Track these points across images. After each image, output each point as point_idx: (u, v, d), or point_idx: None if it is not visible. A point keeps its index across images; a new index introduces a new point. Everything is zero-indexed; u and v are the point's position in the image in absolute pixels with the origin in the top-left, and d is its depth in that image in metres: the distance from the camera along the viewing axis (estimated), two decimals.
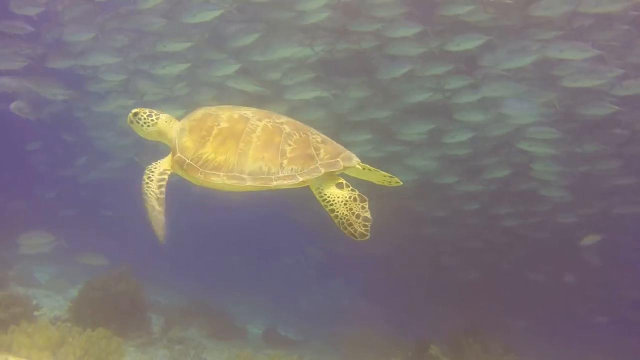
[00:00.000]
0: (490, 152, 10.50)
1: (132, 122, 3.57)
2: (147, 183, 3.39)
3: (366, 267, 16.42)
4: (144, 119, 3.55)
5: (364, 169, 3.37)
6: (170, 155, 3.47)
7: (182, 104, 9.36)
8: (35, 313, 7.95)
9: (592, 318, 13.28)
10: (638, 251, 12.90)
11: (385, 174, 3.42)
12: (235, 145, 3.27)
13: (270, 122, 3.39)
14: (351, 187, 3.20)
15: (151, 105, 3.71)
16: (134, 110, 3.56)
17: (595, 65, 8.34)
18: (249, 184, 3.19)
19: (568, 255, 12.17)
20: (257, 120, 3.38)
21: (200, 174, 3.27)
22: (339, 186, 3.20)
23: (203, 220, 17.22)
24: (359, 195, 3.14)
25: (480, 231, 12.80)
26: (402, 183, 3.42)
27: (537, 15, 8.00)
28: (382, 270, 15.48)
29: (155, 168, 3.46)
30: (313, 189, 3.25)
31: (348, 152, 3.32)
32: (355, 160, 3.30)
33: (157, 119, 3.55)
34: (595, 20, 8.10)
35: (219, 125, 3.39)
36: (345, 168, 3.24)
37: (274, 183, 3.17)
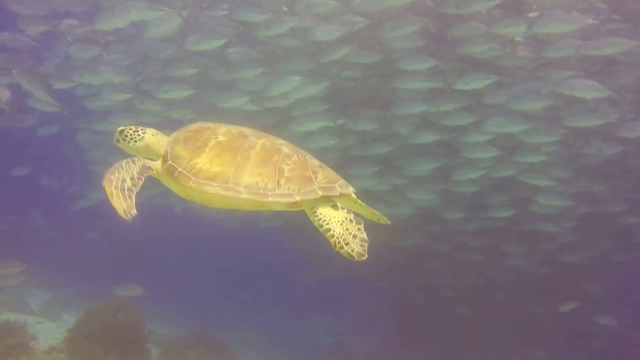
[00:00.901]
0: (496, 190, 10.47)
1: (118, 140, 3.52)
2: (124, 164, 3.25)
3: (360, 299, 16.24)
4: (131, 135, 3.49)
5: (355, 202, 3.38)
6: (157, 162, 3.39)
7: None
8: (32, 343, 7.65)
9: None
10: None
11: (375, 211, 3.45)
12: (233, 158, 3.22)
13: (268, 141, 3.38)
14: (346, 209, 3.20)
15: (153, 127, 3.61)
16: (119, 128, 3.51)
17: (605, 106, 8.44)
18: (244, 197, 3.12)
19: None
20: (255, 138, 3.36)
21: (193, 182, 3.17)
22: (334, 207, 3.18)
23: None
24: (354, 217, 3.13)
25: (484, 267, 12.66)
26: (389, 222, 3.44)
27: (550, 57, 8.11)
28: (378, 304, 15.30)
29: (138, 160, 3.35)
30: (307, 210, 3.21)
31: (344, 181, 3.30)
32: (351, 189, 3.29)
33: (143, 133, 3.50)
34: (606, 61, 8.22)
35: (216, 138, 3.34)
36: (341, 195, 3.23)
37: (270, 199, 3.13)
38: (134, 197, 3.11)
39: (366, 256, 2.97)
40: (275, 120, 9.29)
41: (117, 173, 3.19)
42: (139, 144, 3.50)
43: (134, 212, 3.04)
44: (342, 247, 2.99)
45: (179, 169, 3.24)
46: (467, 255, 12.28)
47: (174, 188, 3.39)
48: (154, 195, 11.95)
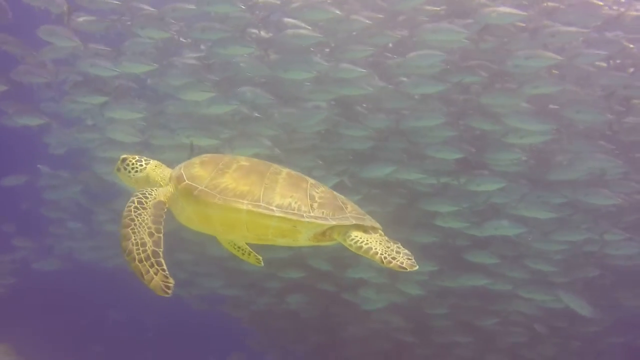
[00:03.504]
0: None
1: (119, 169, 3.32)
2: (137, 208, 2.86)
3: None
4: (133, 164, 3.31)
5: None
6: (166, 187, 3.13)
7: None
8: None
9: None
10: None
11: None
12: (260, 180, 3.02)
13: (293, 171, 3.27)
14: (379, 231, 3.15)
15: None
16: (122, 156, 3.32)
17: None
18: (279, 215, 2.92)
19: None
20: (279, 167, 3.26)
21: (219, 199, 2.92)
22: (366, 231, 3.09)
23: None
24: (388, 238, 3.09)
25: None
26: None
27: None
28: None
29: (149, 195, 2.97)
30: (340, 237, 3.07)
31: (369, 216, 3.23)
32: (379, 226, 3.20)
33: (146, 164, 3.31)
34: None
35: (238, 162, 3.16)
36: (372, 228, 3.14)
37: (306, 219, 2.94)
38: (162, 260, 2.69)
39: (417, 266, 2.88)
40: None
41: (132, 237, 2.74)
42: (139, 174, 3.30)
43: (171, 282, 2.63)
44: (390, 262, 2.88)
45: (200, 187, 2.99)
46: None
47: (189, 210, 3.07)
48: None
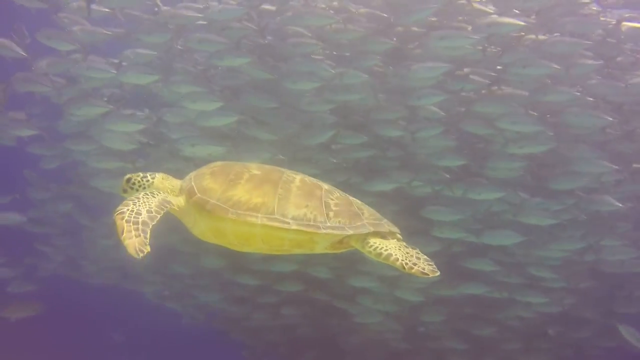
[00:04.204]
0: None
1: (125, 190, 3.19)
2: (146, 195, 2.97)
3: None
4: (139, 182, 3.19)
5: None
6: (179, 197, 3.10)
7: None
8: None
9: None
10: None
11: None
12: (274, 190, 2.96)
13: (306, 177, 3.20)
14: (397, 236, 3.12)
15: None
16: (126, 177, 3.21)
17: None
18: (295, 227, 2.87)
19: None
20: (292, 174, 3.18)
21: (232, 214, 2.87)
22: (384, 236, 3.07)
23: None
24: (406, 243, 3.06)
25: None
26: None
27: None
28: None
29: (159, 193, 3.03)
30: (358, 245, 3.05)
31: (387, 220, 3.19)
32: (397, 230, 3.17)
33: (152, 178, 3.20)
34: None
35: (250, 172, 3.08)
36: (390, 232, 3.10)
37: (322, 231, 2.90)
38: (148, 232, 2.70)
39: (439, 272, 2.87)
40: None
41: (131, 205, 2.82)
42: (148, 190, 3.16)
43: (147, 249, 2.61)
44: (412, 268, 2.86)
45: (212, 201, 2.92)
46: None
47: (202, 224, 3.01)
48: None
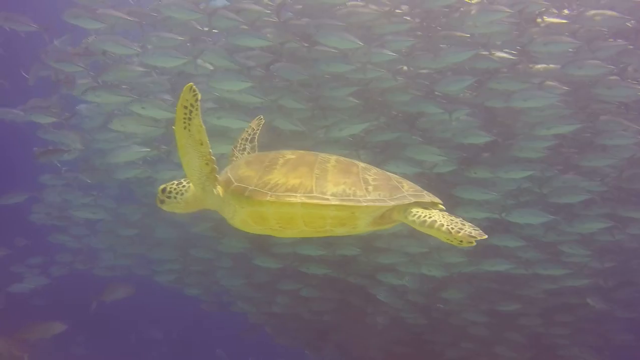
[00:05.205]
0: None
1: (163, 201, 3.18)
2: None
3: None
4: (176, 189, 3.21)
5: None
6: (217, 189, 3.07)
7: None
8: None
9: None
10: None
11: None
12: (310, 171, 2.96)
13: (340, 157, 3.19)
14: (439, 206, 3.07)
15: None
16: (160, 187, 3.19)
17: None
18: (335, 203, 2.85)
19: None
20: (326, 155, 3.19)
21: (271, 196, 2.86)
22: (426, 207, 3.00)
23: None
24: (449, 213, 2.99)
25: None
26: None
27: None
28: None
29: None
30: (402, 217, 3.01)
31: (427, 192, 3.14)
32: (439, 201, 3.10)
33: (188, 184, 3.16)
34: None
35: (284, 157, 3.09)
36: (432, 203, 3.05)
37: (364, 204, 2.87)
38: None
39: (486, 236, 2.78)
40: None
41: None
42: (186, 195, 3.18)
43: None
44: (459, 232, 2.77)
45: (250, 187, 2.94)
46: None
47: (243, 212, 3.02)
48: None
